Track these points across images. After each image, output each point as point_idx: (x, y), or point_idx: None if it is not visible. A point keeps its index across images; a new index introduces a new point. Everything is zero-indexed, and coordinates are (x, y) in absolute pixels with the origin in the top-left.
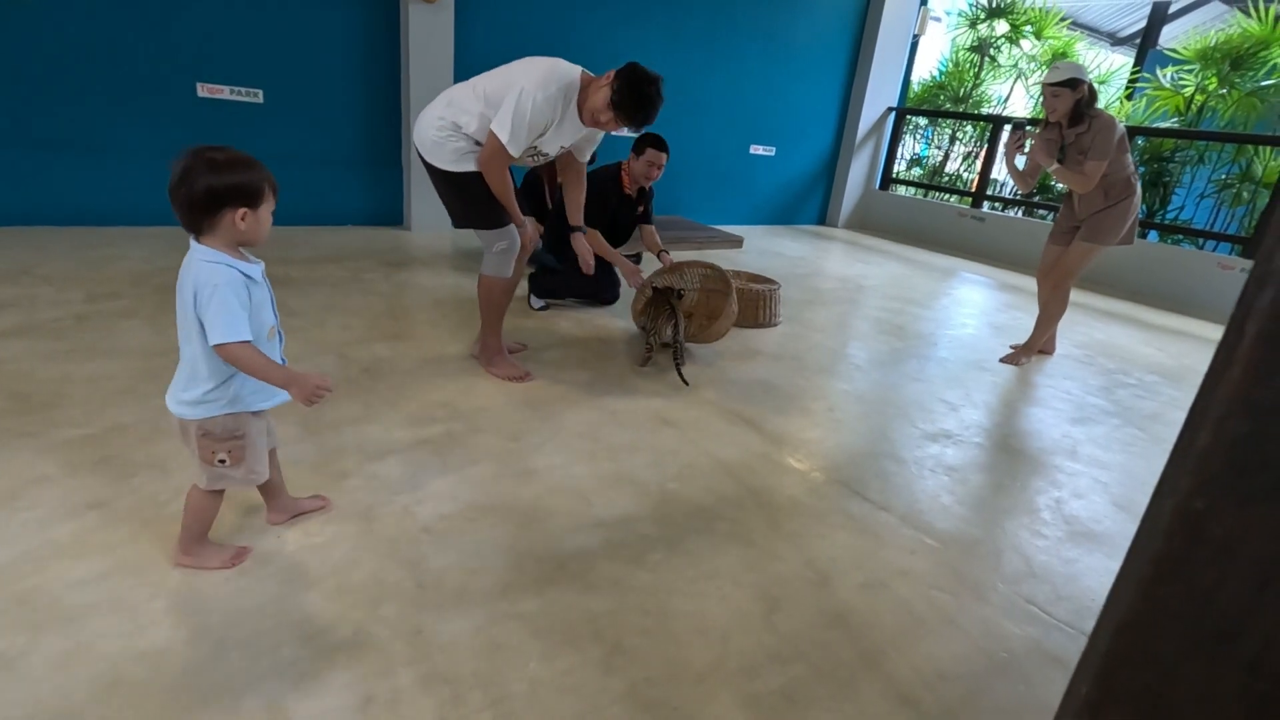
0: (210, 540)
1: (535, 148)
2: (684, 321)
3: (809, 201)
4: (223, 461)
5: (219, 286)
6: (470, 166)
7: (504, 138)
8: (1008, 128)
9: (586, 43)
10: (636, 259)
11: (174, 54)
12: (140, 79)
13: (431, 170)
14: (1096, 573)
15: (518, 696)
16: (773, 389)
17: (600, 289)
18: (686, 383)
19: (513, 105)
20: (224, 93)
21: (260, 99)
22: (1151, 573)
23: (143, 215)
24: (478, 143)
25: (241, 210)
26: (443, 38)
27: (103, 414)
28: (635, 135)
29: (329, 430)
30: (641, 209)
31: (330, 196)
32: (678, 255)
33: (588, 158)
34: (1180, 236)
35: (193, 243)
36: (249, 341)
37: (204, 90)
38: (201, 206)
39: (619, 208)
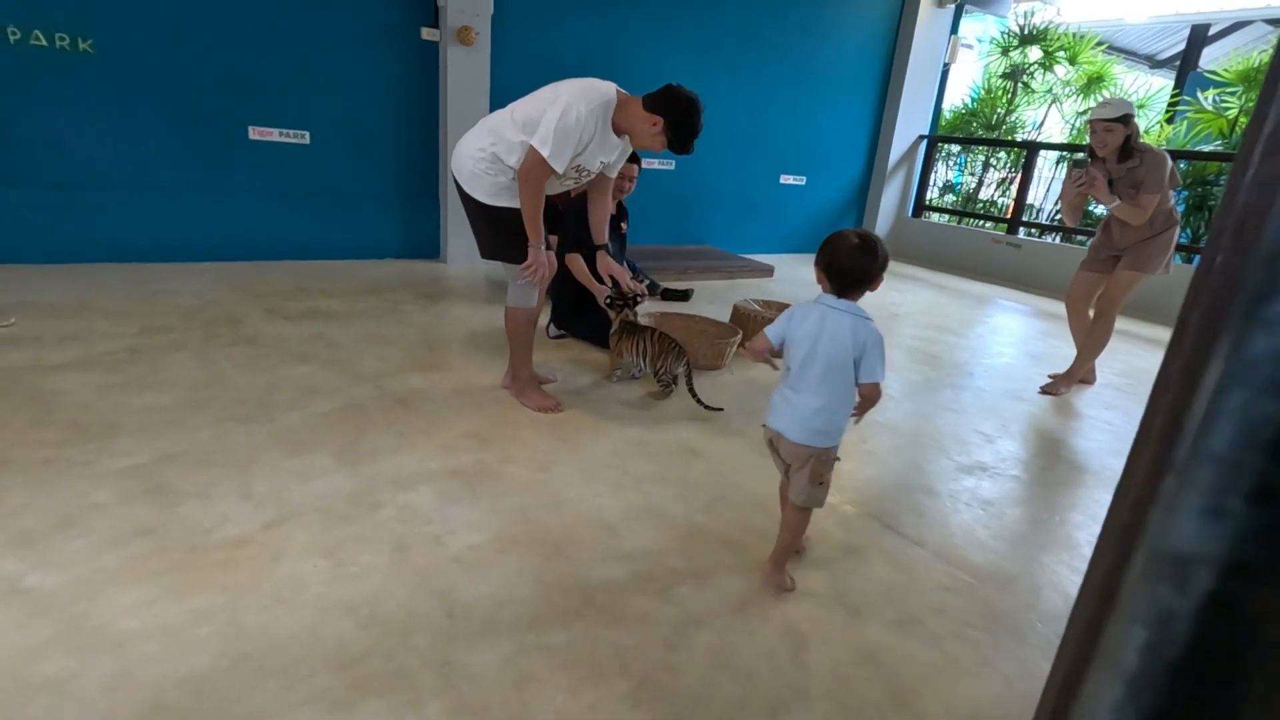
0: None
1: (578, 165)
2: (686, 354)
3: (844, 226)
4: (822, 483)
5: (882, 340)
6: (506, 202)
7: (545, 152)
8: (1065, 166)
9: (616, 78)
10: (685, 294)
11: (227, 100)
12: (196, 123)
13: (467, 199)
14: None
15: None
16: None
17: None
18: (718, 409)
19: (554, 120)
20: (273, 135)
21: (306, 140)
22: (1082, 635)
23: (194, 252)
24: (518, 174)
25: (876, 284)
26: (479, 76)
27: (153, 443)
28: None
29: (365, 461)
30: (624, 226)
31: (370, 231)
32: (708, 284)
33: (616, 174)
34: None
35: (838, 300)
36: None
37: (255, 133)
38: (863, 282)
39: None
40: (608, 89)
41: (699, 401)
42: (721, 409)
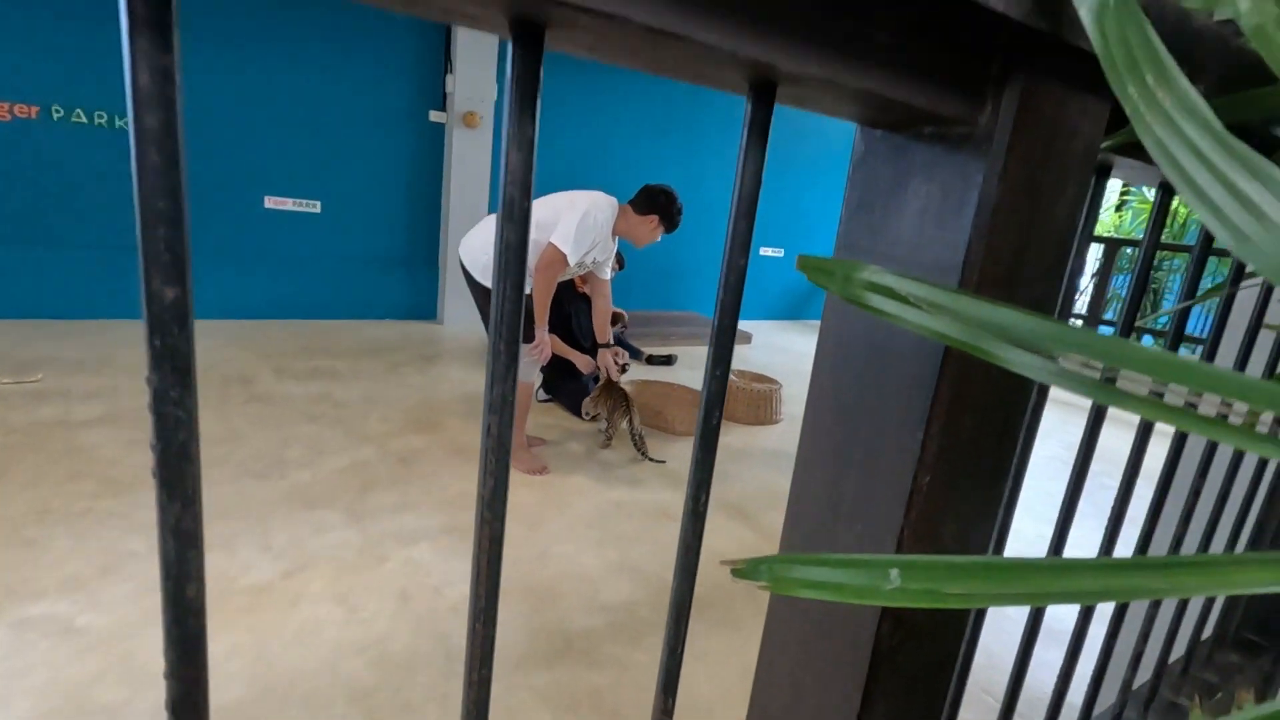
0: None
1: (580, 261)
2: (636, 413)
3: (819, 295)
4: None
5: None
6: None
7: (565, 249)
8: None
9: (610, 160)
10: (669, 360)
11: (246, 171)
12: (217, 192)
13: (477, 288)
14: (1050, 668)
15: None
16: (770, 486)
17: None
18: (661, 460)
19: (575, 222)
20: (287, 204)
21: (318, 209)
22: None
23: (209, 310)
24: (536, 266)
25: None
26: (481, 157)
27: None
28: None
29: (370, 517)
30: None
31: (374, 293)
32: (690, 349)
33: (608, 274)
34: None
35: None
36: None
37: (270, 202)
38: None
39: (578, 307)
40: (613, 200)
41: (641, 448)
42: (664, 461)
